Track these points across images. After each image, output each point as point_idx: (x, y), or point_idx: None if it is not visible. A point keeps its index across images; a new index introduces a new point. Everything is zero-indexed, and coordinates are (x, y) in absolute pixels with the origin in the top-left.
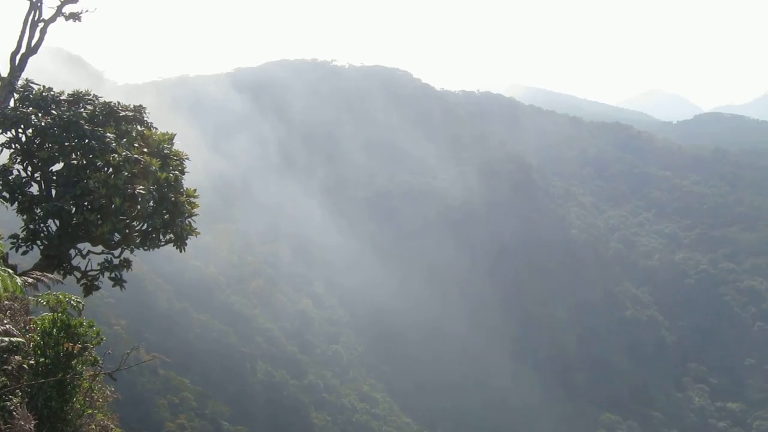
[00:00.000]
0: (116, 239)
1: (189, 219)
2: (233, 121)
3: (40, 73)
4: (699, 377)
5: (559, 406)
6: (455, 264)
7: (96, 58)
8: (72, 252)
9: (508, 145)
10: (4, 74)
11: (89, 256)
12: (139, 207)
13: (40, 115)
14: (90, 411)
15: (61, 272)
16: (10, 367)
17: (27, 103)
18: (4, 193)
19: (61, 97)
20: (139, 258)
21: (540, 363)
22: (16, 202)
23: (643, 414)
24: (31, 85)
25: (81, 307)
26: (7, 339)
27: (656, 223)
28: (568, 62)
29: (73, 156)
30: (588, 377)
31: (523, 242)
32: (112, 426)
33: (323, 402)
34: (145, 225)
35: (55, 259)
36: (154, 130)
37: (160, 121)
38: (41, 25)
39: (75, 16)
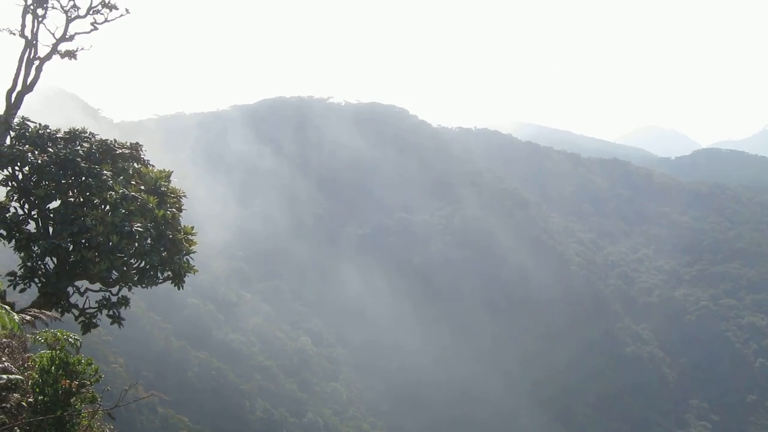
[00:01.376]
0: (114, 277)
1: (187, 256)
2: (232, 158)
3: (36, 111)
4: (701, 414)
5: None
6: (451, 299)
7: (92, 95)
8: (70, 290)
9: (506, 181)
10: (0, 112)
11: (87, 293)
12: (136, 244)
13: (36, 153)
14: None
15: (59, 310)
16: (8, 405)
17: (23, 141)
18: (2, 231)
19: (58, 135)
20: (137, 295)
21: (540, 401)
22: (14, 240)
23: None
24: (28, 123)
25: (79, 345)
26: (5, 377)
27: (656, 259)
28: (565, 99)
29: (70, 194)
30: (589, 414)
31: (521, 279)
32: None
33: None
34: (143, 262)
35: (53, 297)
36: (150, 168)
37: (157, 158)
38: (37, 63)
39: (71, 54)
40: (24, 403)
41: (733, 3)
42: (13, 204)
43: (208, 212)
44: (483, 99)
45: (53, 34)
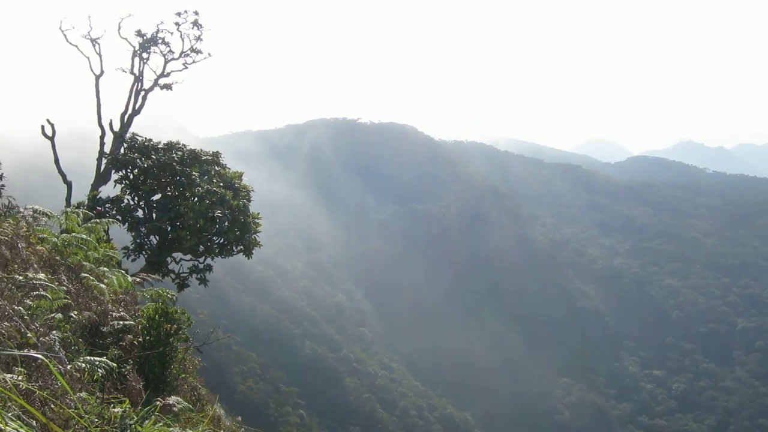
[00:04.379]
0: (200, 250)
1: (254, 235)
2: (289, 162)
3: (142, 128)
4: (632, 351)
5: (528, 372)
6: (449, 265)
7: (182, 115)
8: (168, 259)
9: (488, 180)
10: (116, 129)
11: (180, 262)
12: (217, 226)
13: (143, 159)
14: (183, 375)
15: (161, 274)
16: (124, 343)
17: (133, 150)
18: (118, 217)
19: (158, 146)
20: (218, 264)
21: (514, 339)
22: (127, 223)
23: (590, 379)
24: (137, 137)
25: (175, 300)
26: (122, 322)
27: (599, 237)
28: (533, 116)
29: (168, 189)
30: (550, 351)
31: (500, 251)
32: (199, 386)
33: (354, 370)
34: (222, 239)
35: (156, 265)
36: (227, 170)
37: (231, 163)
38: (142, 93)
39: (167, 87)
40: (135, 342)
41: (656, 42)
42: (126, 197)
43: (270, 202)
44: (470, 115)
45: (154, 72)
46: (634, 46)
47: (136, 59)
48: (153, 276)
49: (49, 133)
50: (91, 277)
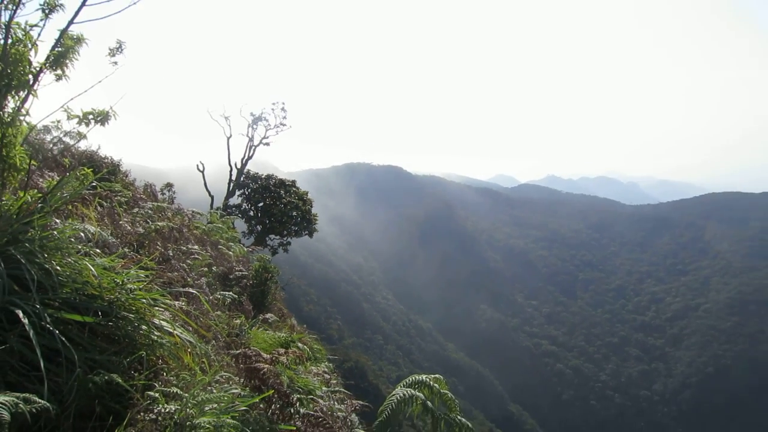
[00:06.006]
0: (284, 233)
1: (314, 225)
2: (334, 190)
3: (252, 167)
4: (519, 290)
5: (460, 302)
6: (420, 246)
7: (274, 159)
8: (266, 239)
9: (442, 199)
10: (239, 167)
11: (273, 240)
12: (293, 221)
13: (253, 183)
14: (274, 302)
15: (262, 246)
16: (242, 284)
17: (248, 179)
18: (239, 215)
19: (262, 176)
20: (294, 243)
21: (452, 287)
22: (244, 219)
23: (497, 306)
24: (249, 171)
25: (269, 259)
26: (241, 272)
27: (503, 228)
28: (465, 159)
29: (267, 200)
30: (473, 291)
31: (447, 238)
32: (283, 308)
33: (368, 299)
34: (296, 228)
35: (260, 241)
36: (299, 189)
37: (303, 186)
38: (252, 147)
39: (267, 144)
40: (248, 283)
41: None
42: (244, 204)
43: (318, 210)
44: (434, 156)
45: (260, 135)
46: (533, 105)
47: (250, 128)
48: (258, 247)
49: (201, 168)
50: (224, 248)
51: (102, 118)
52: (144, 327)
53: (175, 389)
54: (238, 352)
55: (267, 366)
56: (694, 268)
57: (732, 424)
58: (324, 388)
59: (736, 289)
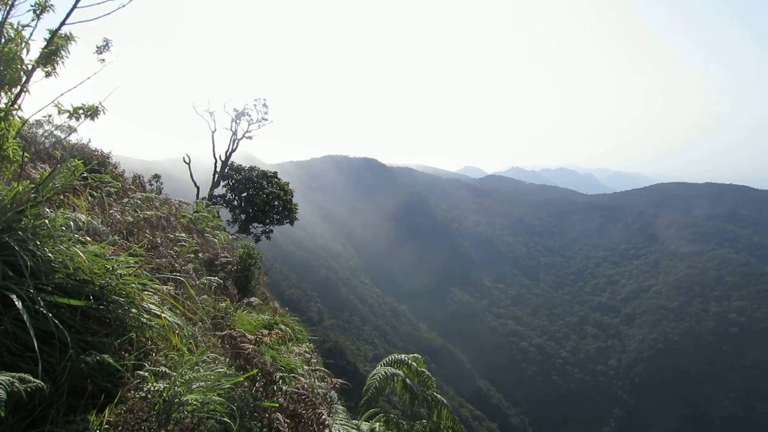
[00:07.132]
0: (267, 222)
1: (294, 214)
2: (314, 183)
3: (235, 158)
4: (487, 274)
5: (432, 285)
6: (395, 242)
7: (257, 151)
8: (250, 227)
9: (415, 190)
10: (222, 159)
11: (256, 228)
12: (275, 210)
13: (237, 174)
14: (258, 286)
15: (246, 234)
16: (227, 269)
17: (231, 170)
18: (224, 204)
19: (245, 168)
20: (276, 230)
21: (425, 271)
22: (228, 208)
23: (465, 288)
24: (233, 163)
25: (253, 246)
26: (226, 259)
27: (471, 216)
28: (437, 152)
29: (251, 191)
30: (444, 275)
31: (422, 224)
32: (266, 292)
33: (346, 284)
34: (278, 216)
35: (244, 229)
36: (280, 180)
37: (285, 178)
38: (236, 140)
39: (249, 138)
40: (232, 269)
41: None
42: (228, 194)
43: (299, 199)
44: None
45: (242, 129)
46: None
47: (233, 123)
48: (242, 235)
49: (188, 160)
50: (210, 236)
51: (92, 112)
52: (134, 310)
53: (163, 368)
54: (223, 333)
55: (251, 346)
56: (645, 252)
57: (679, 395)
58: (305, 367)
59: (682, 272)
